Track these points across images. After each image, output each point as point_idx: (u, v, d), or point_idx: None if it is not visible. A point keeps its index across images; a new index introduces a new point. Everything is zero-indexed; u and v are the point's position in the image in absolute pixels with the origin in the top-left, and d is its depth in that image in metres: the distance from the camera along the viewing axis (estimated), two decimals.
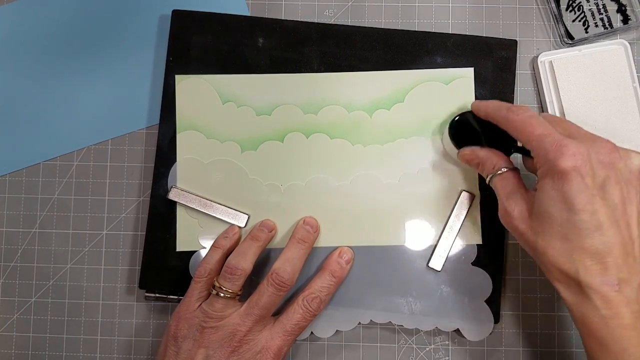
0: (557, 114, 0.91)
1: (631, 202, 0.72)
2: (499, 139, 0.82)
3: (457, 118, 0.87)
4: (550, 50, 0.93)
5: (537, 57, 0.92)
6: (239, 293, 0.83)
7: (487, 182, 0.82)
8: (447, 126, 0.88)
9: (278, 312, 0.85)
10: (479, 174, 0.90)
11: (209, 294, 0.83)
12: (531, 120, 0.76)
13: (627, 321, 0.69)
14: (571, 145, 0.70)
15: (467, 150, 0.85)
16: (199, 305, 0.83)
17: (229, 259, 0.84)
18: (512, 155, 0.83)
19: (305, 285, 0.86)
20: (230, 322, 0.81)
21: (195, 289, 0.84)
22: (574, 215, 0.69)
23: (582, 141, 0.72)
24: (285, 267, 0.83)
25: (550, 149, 0.71)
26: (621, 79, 0.91)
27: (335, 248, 0.89)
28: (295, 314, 0.83)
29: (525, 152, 0.80)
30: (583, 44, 0.93)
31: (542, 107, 0.93)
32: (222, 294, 0.82)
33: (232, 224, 0.90)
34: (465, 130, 0.86)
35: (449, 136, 0.87)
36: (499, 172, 0.80)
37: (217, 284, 0.82)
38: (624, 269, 0.69)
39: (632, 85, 0.91)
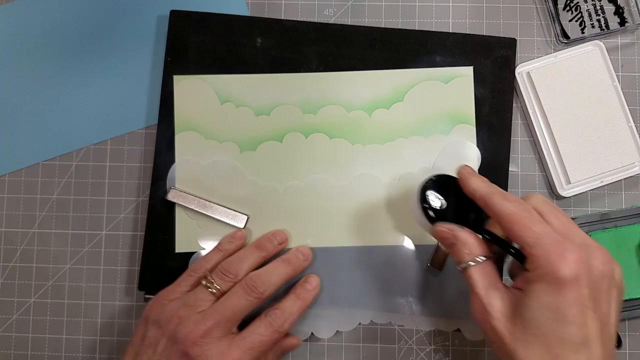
0: (542, 125, 0.89)
1: (613, 311, 0.68)
2: (470, 213, 0.76)
3: (430, 179, 0.78)
4: (535, 56, 0.92)
5: (515, 68, 0.90)
6: (223, 293, 0.80)
7: (459, 268, 0.73)
8: (420, 187, 0.78)
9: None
10: (478, 173, 0.85)
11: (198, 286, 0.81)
12: (528, 215, 0.69)
13: None
14: (574, 251, 0.65)
15: (445, 227, 0.74)
16: (180, 296, 0.80)
17: (228, 260, 0.82)
18: None
19: (274, 304, 0.82)
20: (193, 319, 0.77)
21: (184, 281, 0.82)
22: (564, 327, 0.64)
23: (581, 245, 0.66)
24: (261, 274, 0.80)
25: (551, 252, 0.65)
26: (601, 80, 0.90)
27: (335, 248, 0.88)
28: (257, 327, 0.78)
29: (504, 246, 0.72)
30: (559, 51, 0.91)
31: (526, 119, 0.91)
32: (210, 289, 0.79)
33: (233, 227, 0.88)
34: (438, 194, 0.77)
35: (419, 200, 0.77)
36: (477, 259, 0.71)
37: (209, 278, 0.80)
38: None
39: (612, 85, 0.90)
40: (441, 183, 0.77)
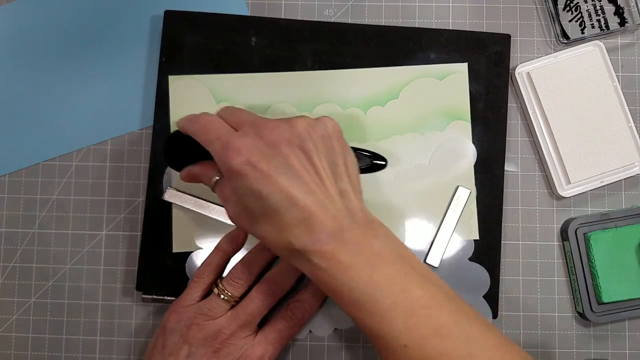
0: (542, 125, 0.89)
1: (312, 160, 0.70)
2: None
3: (168, 138, 0.83)
4: (535, 57, 0.92)
5: (515, 69, 0.90)
6: (238, 299, 0.80)
7: (213, 192, 0.79)
8: (162, 150, 0.84)
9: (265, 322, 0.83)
10: (474, 169, 0.88)
11: (205, 295, 0.81)
12: (206, 126, 0.74)
13: (345, 263, 0.68)
14: (234, 142, 0.69)
15: (183, 173, 0.81)
16: (194, 303, 0.81)
17: (235, 265, 0.82)
18: None
19: (292, 296, 0.83)
20: (217, 323, 0.79)
21: (192, 288, 0.82)
22: (266, 201, 0.68)
23: (246, 131, 0.71)
24: (277, 277, 0.81)
25: (220, 153, 0.70)
26: (600, 81, 0.89)
27: None
28: (278, 322, 0.81)
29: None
30: (559, 51, 0.91)
31: (526, 119, 0.91)
32: (222, 296, 0.79)
33: (230, 226, 0.87)
34: (180, 148, 0.81)
35: (165, 159, 0.85)
36: (214, 180, 0.77)
37: (220, 285, 0.80)
38: (328, 222, 0.68)
39: (612, 85, 0.89)
40: (175, 138, 0.80)
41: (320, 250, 0.67)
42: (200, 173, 0.79)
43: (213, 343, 0.78)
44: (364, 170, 0.85)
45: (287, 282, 0.81)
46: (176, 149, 0.81)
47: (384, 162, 0.86)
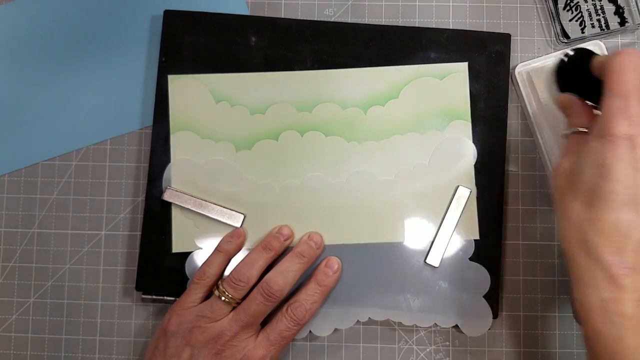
0: (542, 124, 0.88)
1: None
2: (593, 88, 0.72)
3: (571, 55, 0.77)
4: (535, 56, 0.91)
5: (515, 68, 0.89)
6: (239, 301, 0.80)
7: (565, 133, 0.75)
8: (558, 62, 0.78)
9: (267, 322, 0.83)
10: (474, 169, 0.87)
11: (206, 297, 0.81)
12: (624, 73, 0.66)
13: (628, 310, 0.61)
14: (635, 110, 0.63)
15: (565, 97, 0.76)
16: (195, 305, 0.81)
17: (237, 267, 0.82)
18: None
19: (293, 295, 0.83)
20: (219, 325, 0.79)
21: (193, 290, 0.82)
22: (608, 183, 0.63)
23: None
24: (278, 278, 0.80)
25: (617, 109, 0.64)
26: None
27: (332, 246, 0.87)
28: (278, 323, 0.80)
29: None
30: (559, 50, 0.90)
31: (526, 119, 0.90)
32: (223, 298, 0.79)
33: (230, 226, 0.87)
34: (572, 77, 0.77)
35: (556, 72, 0.79)
36: (577, 129, 0.72)
37: (221, 287, 0.80)
38: (638, 257, 0.62)
39: None
40: (577, 59, 0.76)
41: (614, 276, 0.62)
42: (575, 109, 0.75)
43: (215, 345, 0.78)
44: None
45: (288, 284, 0.81)
46: (573, 71, 0.77)
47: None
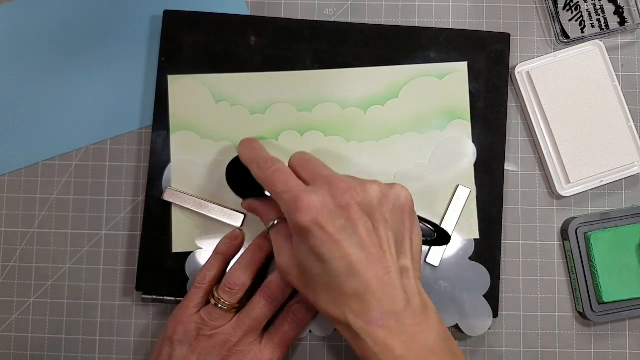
0: (541, 124, 0.89)
1: (378, 232, 0.69)
2: None
3: (232, 160, 0.85)
4: (534, 56, 0.91)
5: (514, 68, 0.89)
6: (237, 306, 0.80)
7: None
8: (225, 172, 0.86)
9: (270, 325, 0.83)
10: (474, 168, 0.88)
11: (207, 301, 0.81)
12: (275, 175, 0.74)
13: (398, 352, 0.66)
14: (305, 198, 0.68)
15: (245, 203, 0.83)
16: (197, 312, 0.80)
17: (230, 271, 0.81)
18: None
19: (296, 295, 0.83)
20: (223, 332, 0.78)
21: (194, 295, 0.81)
22: (326, 264, 0.67)
23: (318, 188, 0.70)
24: (280, 281, 0.80)
25: (289, 206, 0.69)
26: (600, 80, 0.88)
27: None
28: (282, 325, 0.81)
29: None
30: (559, 50, 0.90)
31: (526, 119, 0.90)
32: (220, 305, 0.79)
33: (230, 226, 0.86)
34: (242, 175, 0.83)
35: (226, 179, 0.86)
36: (272, 223, 0.78)
37: (216, 295, 0.80)
38: (384, 302, 0.67)
39: (611, 84, 0.88)
40: (238, 164, 0.83)
41: (374, 333, 0.66)
42: (260, 210, 0.80)
43: (221, 351, 0.78)
44: (425, 243, 0.84)
45: (289, 287, 0.80)
46: (238, 175, 0.83)
47: (447, 240, 0.85)
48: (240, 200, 0.85)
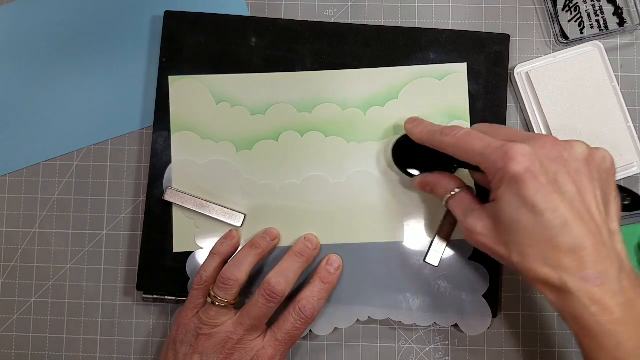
0: (541, 125, 0.88)
1: (586, 190, 0.67)
2: (440, 157, 0.78)
3: (397, 141, 0.85)
4: (534, 57, 0.91)
5: (514, 69, 0.89)
6: (233, 302, 0.80)
7: (443, 205, 0.79)
8: (391, 149, 0.85)
9: (273, 321, 0.82)
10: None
11: (206, 302, 0.81)
12: (467, 137, 0.73)
13: (616, 315, 0.63)
14: (516, 149, 0.66)
15: (418, 179, 0.82)
16: (197, 313, 0.80)
17: (224, 268, 0.81)
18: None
19: (297, 294, 0.82)
20: (224, 330, 0.78)
21: (193, 296, 0.81)
22: (539, 216, 0.65)
23: (524, 142, 0.68)
24: (279, 278, 0.79)
25: (496, 158, 0.68)
26: (600, 81, 0.88)
27: (332, 245, 0.87)
28: (286, 322, 0.80)
29: (470, 167, 0.77)
30: (558, 51, 0.90)
31: (525, 119, 0.90)
32: (216, 303, 0.79)
33: (230, 226, 0.86)
34: (408, 152, 0.84)
35: (393, 161, 0.85)
36: (452, 193, 0.77)
37: (212, 293, 0.80)
38: (600, 260, 0.64)
39: (611, 85, 0.88)
40: (405, 142, 0.83)
41: (591, 292, 0.64)
42: (436, 182, 0.80)
43: (223, 350, 0.78)
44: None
45: (289, 283, 0.80)
46: (407, 153, 0.84)
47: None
48: (243, 200, 0.86)
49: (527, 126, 0.89)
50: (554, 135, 0.86)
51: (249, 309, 0.79)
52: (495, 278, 0.86)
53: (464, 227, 0.74)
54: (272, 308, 0.79)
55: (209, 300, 0.79)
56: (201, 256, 0.86)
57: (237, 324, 0.78)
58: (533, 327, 0.87)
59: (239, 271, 0.80)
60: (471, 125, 0.86)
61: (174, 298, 0.86)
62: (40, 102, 0.91)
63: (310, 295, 0.81)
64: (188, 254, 0.87)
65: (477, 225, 0.72)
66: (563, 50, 0.89)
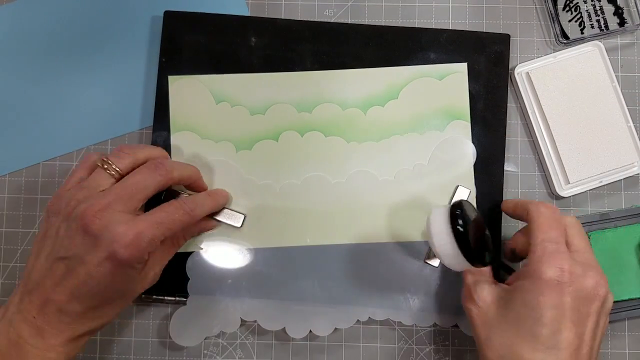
0: (541, 125, 0.89)
1: (594, 335, 0.70)
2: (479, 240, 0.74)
3: (456, 212, 0.73)
4: (534, 57, 0.91)
5: (514, 69, 0.89)
6: (122, 173, 0.75)
7: None
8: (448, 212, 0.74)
9: None
10: (474, 169, 0.87)
11: None
12: (553, 222, 0.73)
13: None
14: (567, 263, 0.69)
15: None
16: (77, 184, 0.75)
17: (121, 145, 0.79)
18: None
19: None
20: (97, 195, 0.72)
21: (79, 169, 0.77)
22: (538, 327, 0.68)
23: (580, 263, 0.70)
24: (174, 163, 0.79)
25: (548, 255, 0.69)
26: (600, 81, 0.88)
27: (332, 245, 0.86)
28: (167, 206, 0.74)
29: (505, 268, 0.79)
30: (559, 51, 0.90)
31: (525, 119, 0.90)
32: (108, 170, 0.74)
33: (230, 226, 0.86)
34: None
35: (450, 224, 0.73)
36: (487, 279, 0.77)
37: (105, 159, 0.74)
38: None
39: (611, 85, 0.88)
40: (458, 210, 0.73)
41: None
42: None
43: (87, 214, 0.70)
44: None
45: (183, 170, 0.79)
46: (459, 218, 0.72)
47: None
48: (243, 200, 0.87)
49: (528, 126, 0.89)
50: (554, 135, 0.86)
51: (132, 175, 0.75)
52: (495, 278, 0.85)
53: (468, 291, 0.76)
54: (155, 181, 0.74)
55: (100, 163, 0.74)
56: (201, 256, 0.86)
57: (112, 190, 0.73)
58: None
59: (139, 150, 0.77)
60: (471, 125, 0.87)
61: (173, 298, 0.86)
62: (40, 102, 0.91)
63: (196, 196, 0.81)
64: (188, 254, 0.86)
65: (480, 294, 0.75)
66: (563, 50, 0.89)
